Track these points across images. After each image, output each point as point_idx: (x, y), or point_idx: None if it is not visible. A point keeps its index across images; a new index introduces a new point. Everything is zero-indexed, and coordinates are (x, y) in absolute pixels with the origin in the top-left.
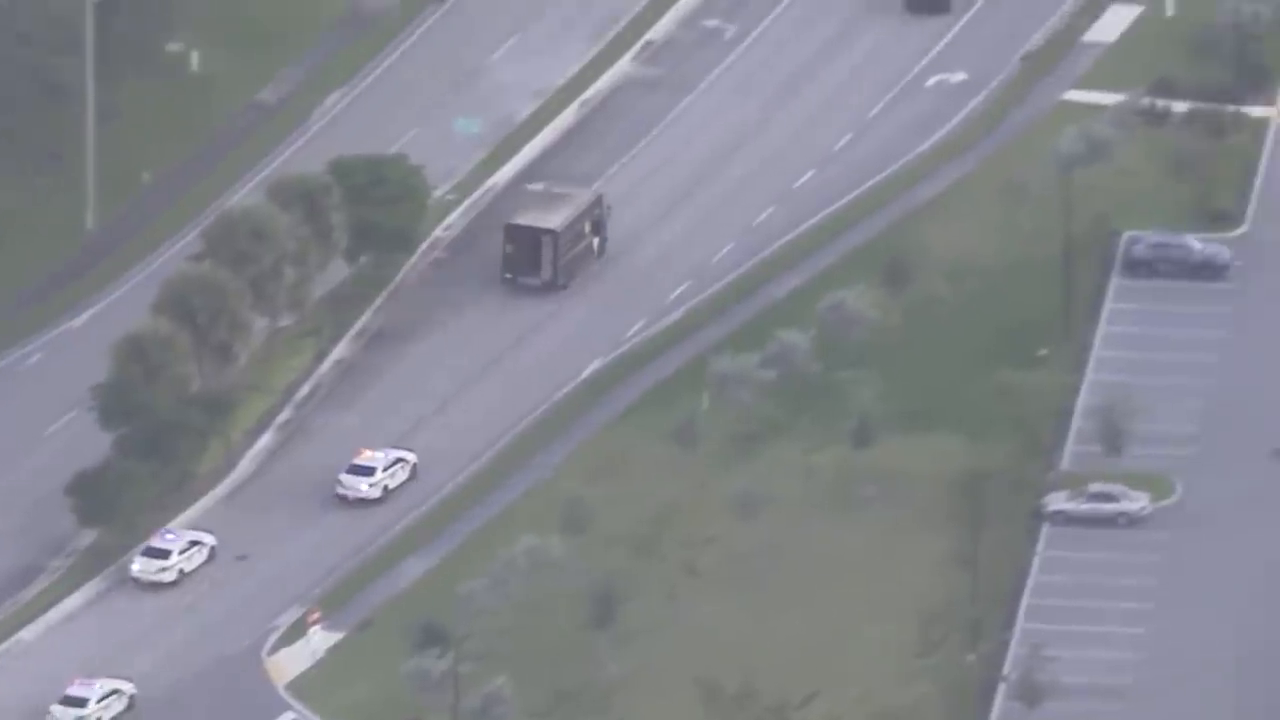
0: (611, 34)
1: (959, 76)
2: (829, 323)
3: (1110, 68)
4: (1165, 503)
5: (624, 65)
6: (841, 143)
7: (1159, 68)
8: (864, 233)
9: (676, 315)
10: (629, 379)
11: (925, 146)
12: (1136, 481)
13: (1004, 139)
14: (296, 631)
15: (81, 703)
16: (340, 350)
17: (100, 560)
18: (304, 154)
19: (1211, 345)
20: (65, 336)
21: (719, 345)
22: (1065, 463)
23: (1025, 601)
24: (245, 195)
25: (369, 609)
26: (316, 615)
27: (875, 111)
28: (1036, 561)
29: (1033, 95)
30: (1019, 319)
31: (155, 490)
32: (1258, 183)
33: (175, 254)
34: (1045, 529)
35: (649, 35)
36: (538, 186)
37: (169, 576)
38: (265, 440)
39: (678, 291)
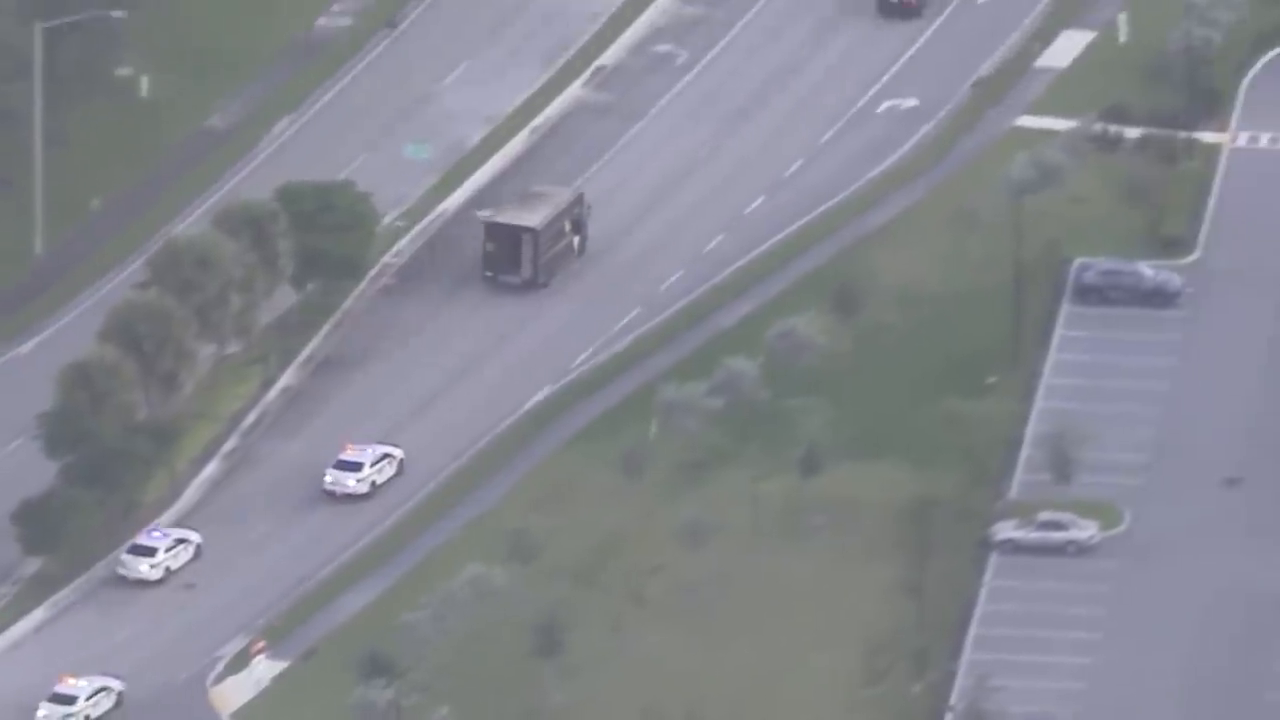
0: (563, 60)
1: (910, 102)
2: (778, 350)
3: (1062, 94)
4: (1114, 531)
5: (575, 91)
6: (792, 169)
7: (1111, 94)
8: (814, 259)
9: (625, 343)
10: (576, 407)
11: (876, 173)
12: (1085, 510)
13: (955, 165)
14: (241, 661)
15: (70, 700)
16: (287, 378)
17: (45, 588)
18: (253, 180)
19: (1162, 373)
20: (12, 363)
21: (667, 373)
22: (1014, 491)
23: (972, 631)
24: (193, 222)
25: (313, 638)
26: (261, 645)
27: (826, 138)
28: (984, 591)
29: (984, 122)
30: (969, 346)
31: (100, 519)
32: (1210, 209)
33: (123, 281)
34: (993, 558)
35: (600, 61)
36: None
37: (155, 574)
38: (211, 469)
39: (626, 319)
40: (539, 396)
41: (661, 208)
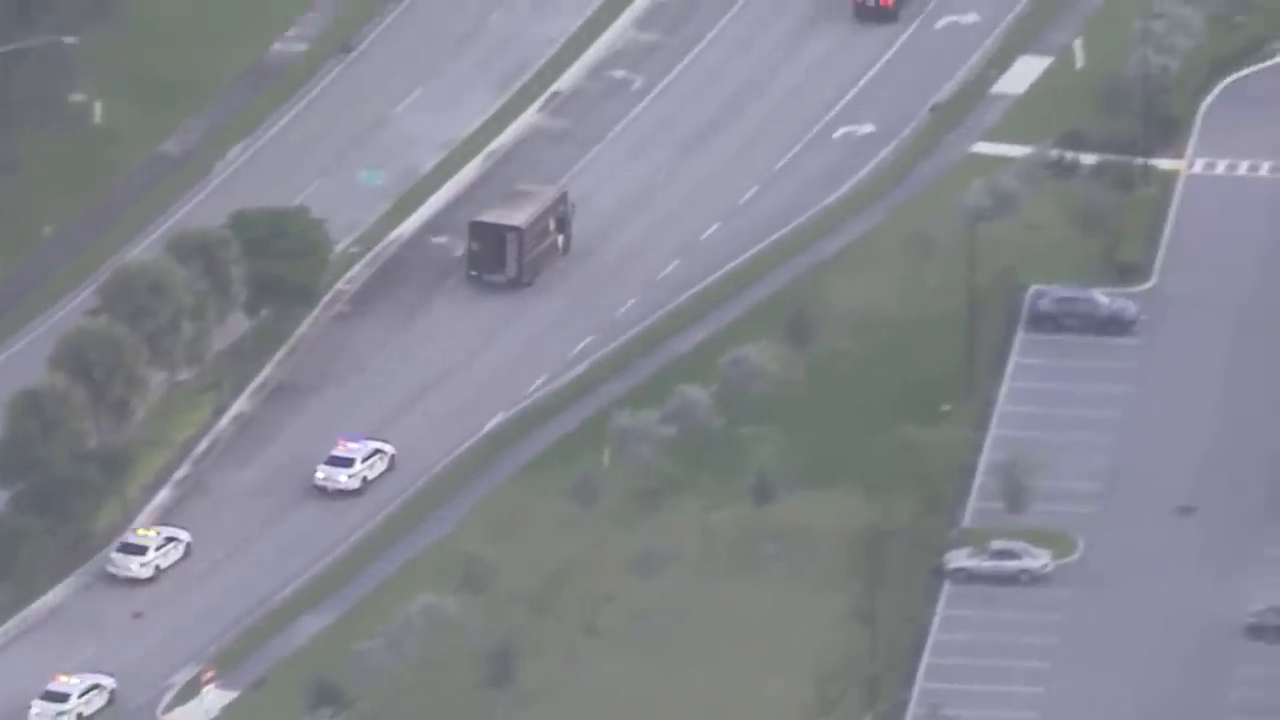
0: (518, 85)
1: (866, 128)
2: (731, 378)
3: (1019, 120)
4: (1067, 560)
5: (530, 116)
6: (748, 195)
7: (1068, 120)
8: (770, 286)
9: (579, 369)
10: (530, 434)
11: (832, 199)
12: (1038, 539)
13: (911, 191)
14: (191, 690)
15: (63, 698)
16: (240, 405)
17: None
18: (207, 206)
19: (1117, 401)
20: None
21: (621, 400)
22: (967, 519)
23: (925, 660)
24: (146, 249)
25: (264, 667)
26: (210, 674)
27: (782, 164)
28: (937, 620)
29: (941, 147)
30: (924, 374)
31: (51, 547)
32: (1166, 236)
33: (75, 308)
34: (946, 587)
35: (556, 86)
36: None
37: (145, 572)
38: (162, 496)
39: (581, 345)
40: (495, 421)
41: (616, 234)
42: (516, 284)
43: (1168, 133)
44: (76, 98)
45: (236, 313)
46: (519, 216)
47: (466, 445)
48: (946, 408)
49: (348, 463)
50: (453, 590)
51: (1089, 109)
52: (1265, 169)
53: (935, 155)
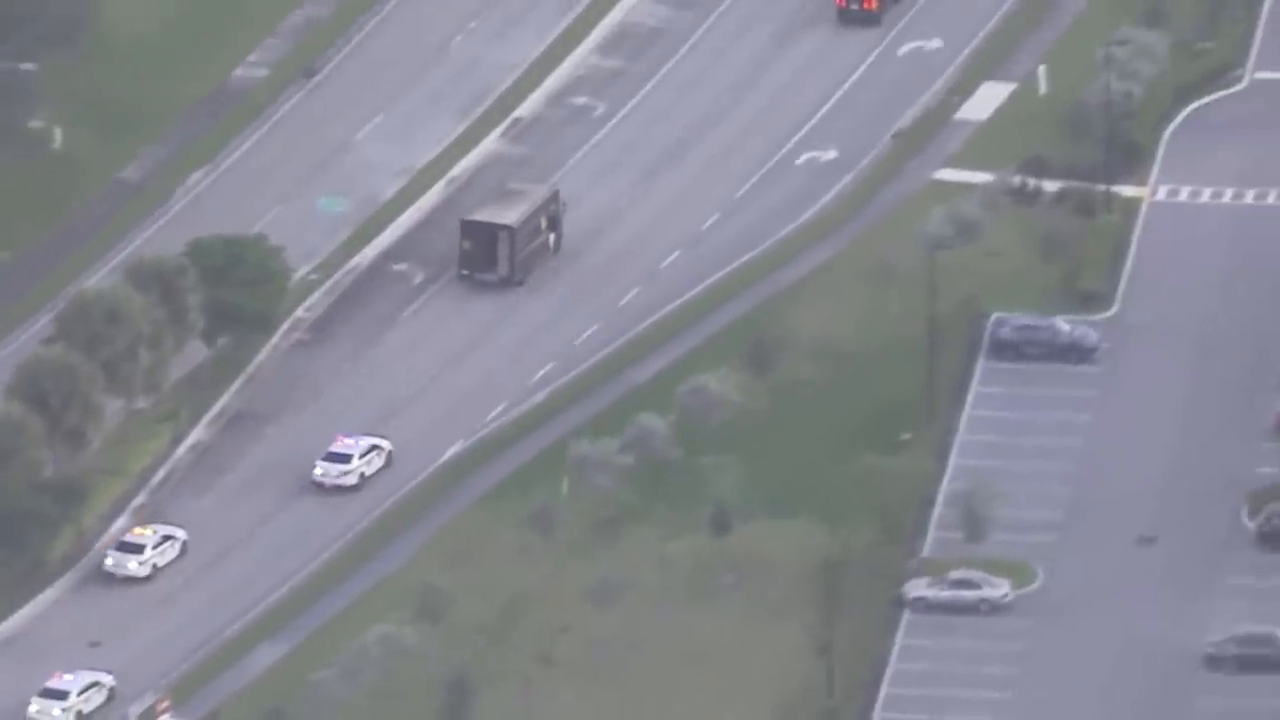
0: (479, 111)
1: (829, 154)
2: (689, 407)
3: (982, 146)
4: (1027, 590)
5: (491, 143)
6: (709, 222)
7: (1031, 146)
8: (730, 314)
9: (539, 398)
10: (489, 463)
11: (794, 226)
12: (998, 568)
13: (873, 218)
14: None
15: (62, 695)
16: (198, 433)
17: None
18: (166, 233)
19: (1077, 429)
20: None
21: (580, 429)
22: (927, 549)
23: (884, 690)
24: (105, 276)
25: (219, 698)
26: (165, 704)
27: (744, 191)
28: (895, 649)
29: (904, 174)
30: (885, 402)
31: (5, 578)
32: (1128, 263)
33: (32, 336)
34: (905, 616)
35: (517, 112)
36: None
37: (143, 571)
38: (119, 526)
39: (541, 373)
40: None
41: (577, 260)
42: (508, 283)
43: (1131, 160)
44: (36, 124)
45: (194, 341)
46: (511, 215)
47: (426, 474)
48: (907, 436)
49: (345, 459)
50: (409, 620)
51: (1052, 135)
52: (1228, 196)
53: (898, 182)
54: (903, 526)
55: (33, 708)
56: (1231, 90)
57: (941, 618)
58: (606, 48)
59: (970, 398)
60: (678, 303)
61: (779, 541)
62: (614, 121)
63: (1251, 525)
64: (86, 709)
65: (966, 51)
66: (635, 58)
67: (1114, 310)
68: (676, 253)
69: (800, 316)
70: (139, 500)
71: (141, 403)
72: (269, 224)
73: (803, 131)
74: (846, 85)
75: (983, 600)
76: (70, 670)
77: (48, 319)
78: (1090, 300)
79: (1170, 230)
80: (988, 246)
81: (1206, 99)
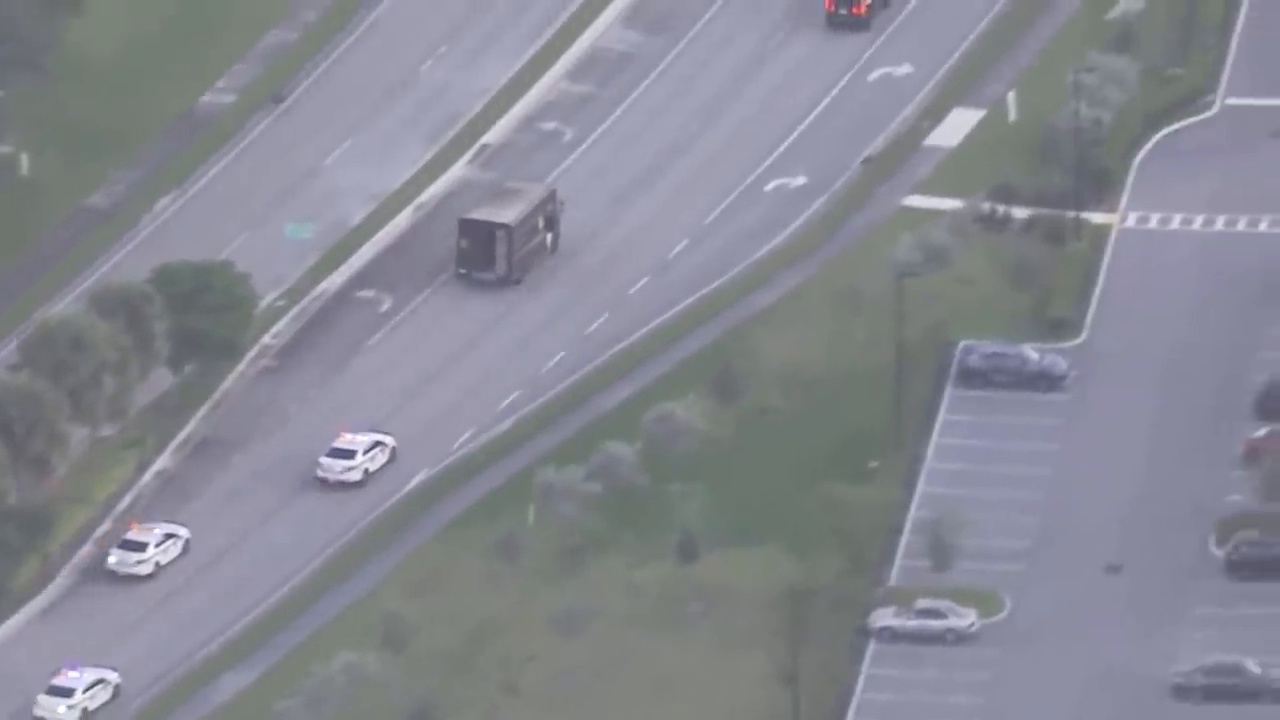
0: (448, 137)
1: (799, 180)
2: (656, 434)
3: (952, 172)
4: (994, 619)
5: (460, 169)
6: (678, 249)
7: (1001, 173)
8: (698, 341)
9: (505, 425)
10: (455, 491)
11: (763, 252)
12: (965, 597)
13: (842, 245)
14: None
15: (68, 692)
16: (163, 461)
17: None
18: (133, 259)
19: (1046, 458)
20: None
21: (547, 457)
22: (893, 578)
23: None
24: (71, 303)
25: None
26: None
27: (713, 217)
28: (861, 679)
29: (873, 200)
30: (852, 430)
31: None
32: (1097, 291)
33: None
34: (871, 646)
35: (486, 138)
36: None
37: (145, 569)
38: (84, 553)
39: (509, 400)
40: (419, 478)
41: (539, 289)
42: (506, 282)
43: (1101, 186)
44: (2, 150)
45: (161, 368)
46: (508, 214)
47: (390, 503)
48: (874, 464)
49: (349, 454)
50: (373, 648)
51: (1022, 162)
52: (1198, 223)
53: (867, 208)
54: (869, 555)
55: (39, 705)
56: (1202, 116)
57: (908, 647)
58: (576, 73)
59: (938, 426)
60: (645, 329)
61: (746, 570)
62: (583, 147)
63: (1220, 554)
64: (92, 706)
65: (937, 77)
66: (605, 83)
67: (1083, 338)
68: (644, 279)
69: (768, 343)
70: (104, 528)
71: (107, 430)
72: (237, 250)
73: (772, 157)
74: (816, 111)
75: (949, 630)
76: (75, 667)
77: (13, 346)
78: (1059, 328)
79: (1140, 257)
80: (957, 273)
81: (1177, 125)
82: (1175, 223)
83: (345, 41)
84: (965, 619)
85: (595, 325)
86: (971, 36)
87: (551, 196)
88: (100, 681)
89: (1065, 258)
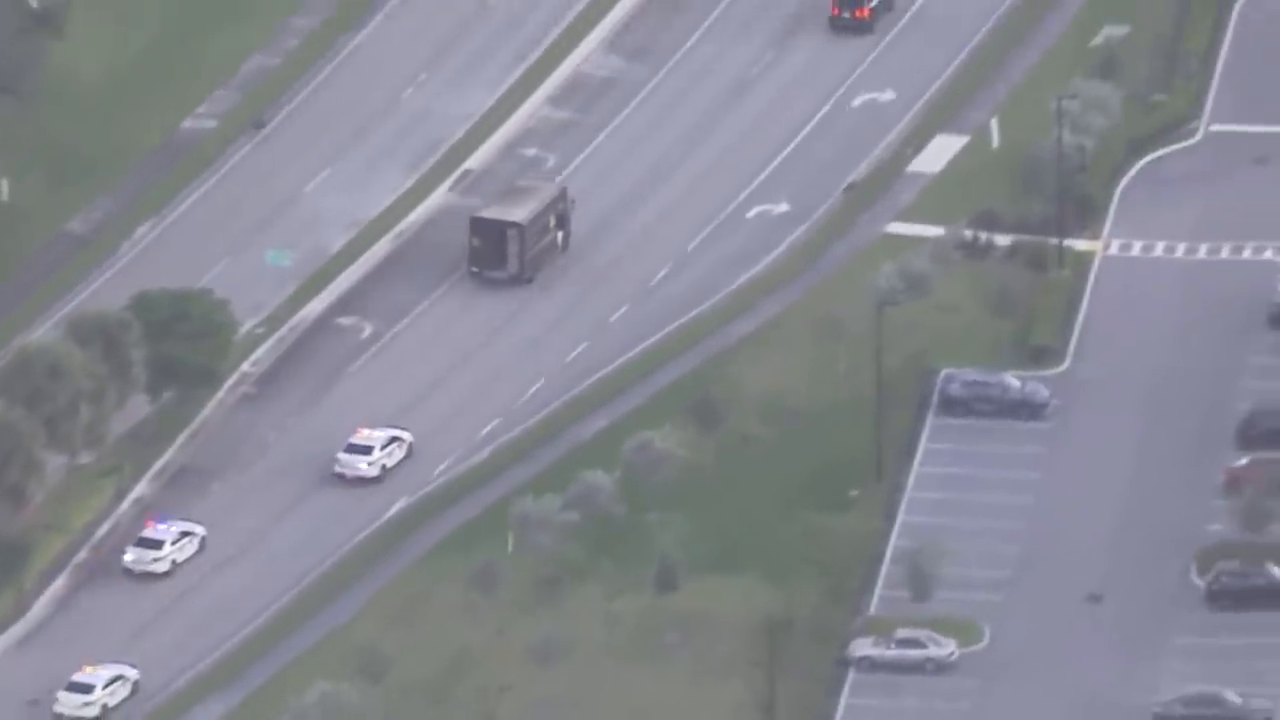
0: (429, 163)
1: (781, 208)
2: (635, 463)
3: (934, 199)
4: (974, 649)
5: (441, 195)
6: (659, 276)
7: (984, 200)
8: (678, 369)
9: (483, 455)
10: (433, 520)
11: (744, 280)
12: (945, 627)
13: (824, 273)
14: None
15: (88, 689)
16: (141, 489)
17: None
18: (113, 286)
19: (1027, 487)
20: None
21: (525, 486)
22: (873, 607)
23: None
24: (49, 330)
25: None
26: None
27: (695, 244)
28: (840, 709)
29: (855, 227)
30: (833, 459)
31: None
32: (1080, 318)
33: None
34: (850, 675)
35: (467, 164)
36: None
37: (161, 567)
38: (60, 582)
39: (487, 428)
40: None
41: (521, 316)
42: (517, 280)
43: (1084, 213)
44: None
45: (139, 395)
46: (520, 213)
47: (367, 532)
48: (855, 493)
49: (366, 450)
50: (350, 679)
51: (1005, 189)
52: (1181, 250)
53: (849, 235)
54: (849, 584)
55: (59, 701)
56: (1185, 143)
57: (887, 677)
58: (558, 99)
59: (919, 454)
60: (625, 357)
61: (724, 599)
62: (565, 173)
63: (1200, 583)
64: (112, 702)
65: (920, 103)
66: (587, 109)
67: (1065, 366)
68: (625, 306)
69: (748, 372)
70: (81, 556)
71: (84, 458)
72: (217, 277)
73: (754, 184)
74: (799, 138)
75: (928, 659)
76: (95, 663)
77: None
78: (1041, 356)
79: (1123, 285)
80: (938, 301)
81: (1160, 152)
82: (1158, 250)
83: (327, 68)
84: (945, 649)
85: (575, 353)
86: (955, 63)
87: (562, 195)
88: (120, 678)
89: (1048, 285)
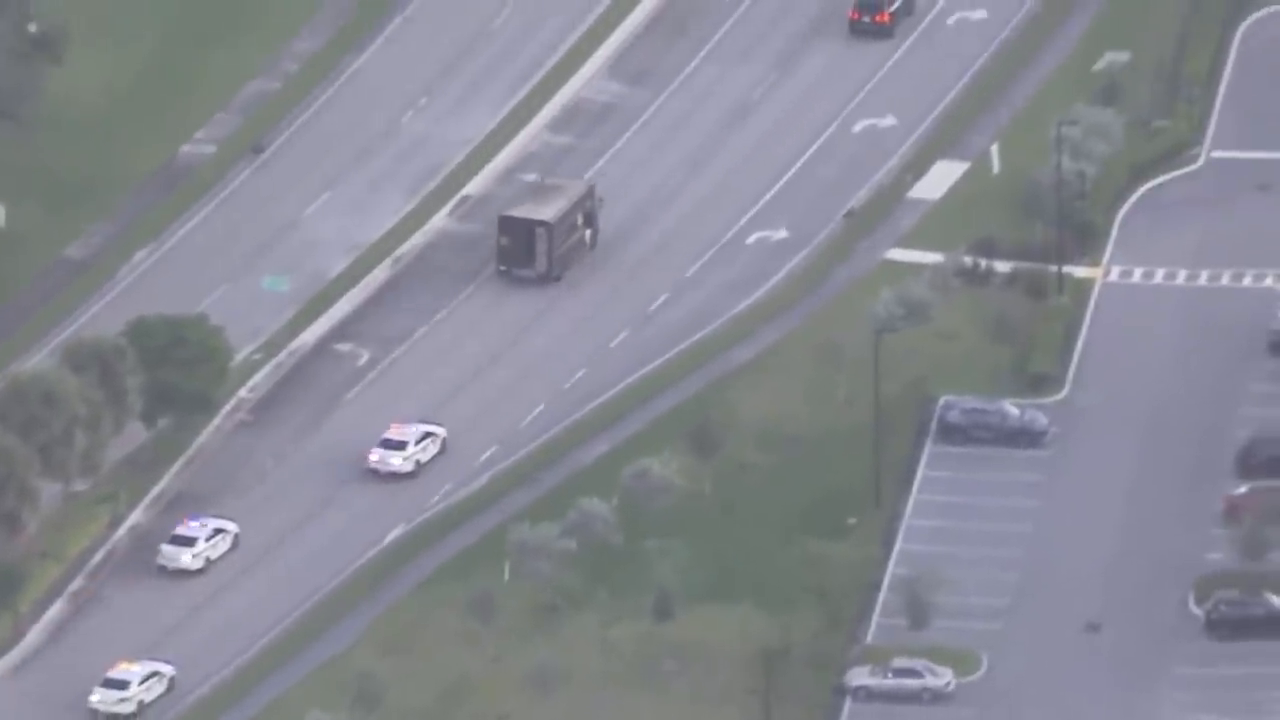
0: (428, 188)
1: (780, 234)
2: (633, 491)
3: (935, 226)
4: (971, 678)
5: (439, 220)
6: (658, 302)
7: (984, 226)
8: (676, 396)
9: (481, 482)
10: (429, 548)
11: (743, 307)
12: (943, 656)
13: (824, 299)
14: None
15: (123, 685)
16: (136, 516)
17: None
18: (110, 312)
19: (1026, 515)
20: None
21: (522, 513)
22: (870, 636)
23: None
24: (46, 356)
25: None
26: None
27: (694, 270)
28: None
29: (855, 253)
30: (831, 486)
31: None
32: (1079, 346)
33: None
34: (847, 705)
35: (466, 190)
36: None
37: (196, 564)
38: (55, 610)
39: (484, 456)
40: (394, 534)
41: (522, 343)
42: (546, 279)
43: (1084, 240)
44: None
45: (135, 422)
46: (548, 211)
47: (364, 560)
48: (853, 521)
49: (400, 445)
50: (346, 708)
51: (1006, 215)
52: (1181, 277)
53: (849, 262)
54: (846, 613)
55: (94, 697)
56: (1187, 169)
57: (884, 706)
58: (558, 124)
59: (917, 482)
60: (624, 384)
61: (722, 628)
62: None
63: (1199, 613)
64: (148, 698)
65: (921, 129)
66: (586, 134)
67: (1064, 393)
68: (625, 332)
69: (747, 399)
70: (76, 584)
71: (79, 485)
72: (215, 303)
73: (754, 210)
74: (799, 163)
75: (925, 689)
76: (131, 660)
77: None
78: (1040, 383)
79: (1123, 312)
80: (938, 328)
81: (1161, 178)
82: (1159, 277)
83: (326, 92)
84: (942, 678)
85: (574, 380)
86: (955, 89)
87: (590, 193)
88: (155, 674)
89: (1047, 312)
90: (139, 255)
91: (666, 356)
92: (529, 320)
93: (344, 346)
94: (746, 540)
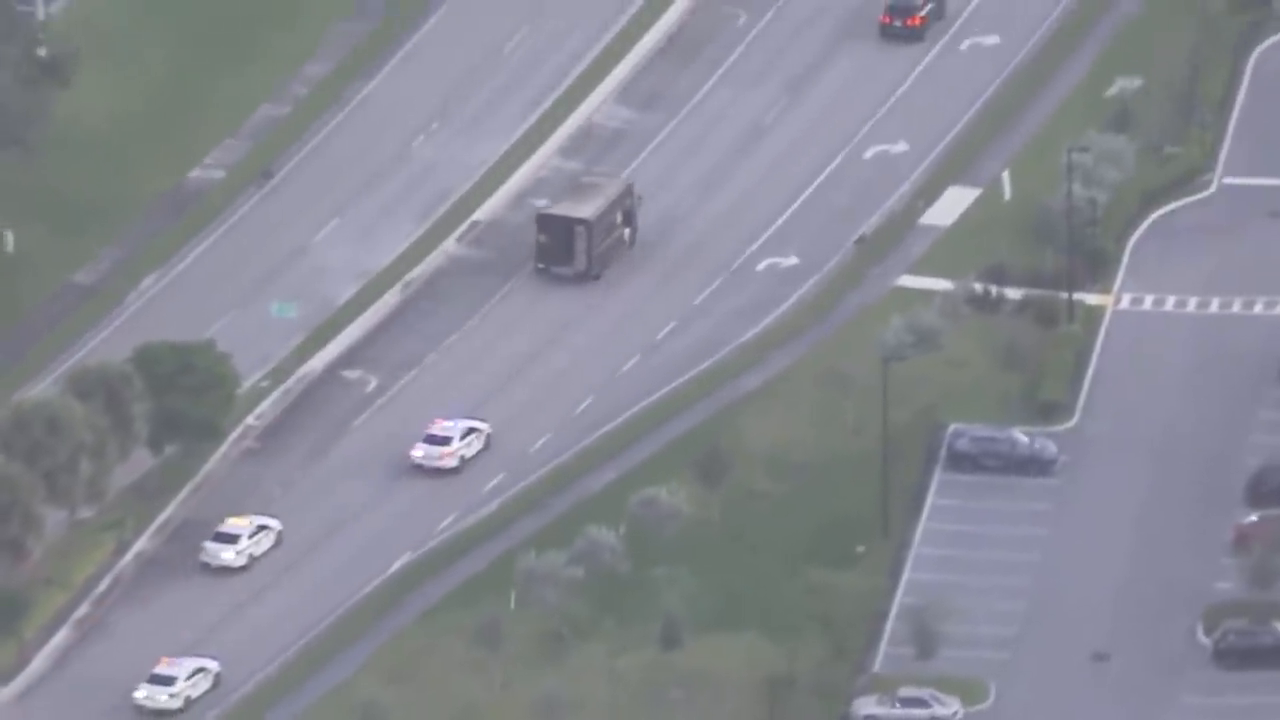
0: (438, 214)
1: (790, 260)
2: (641, 518)
3: (946, 252)
4: (979, 708)
5: (449, 246)
6: (666, 330)
7: (996, 253)
8: (685, 424)
9: (490, 508)
10: (437, 575)
11: (753, 334)
12: (950, 685)
13: (834, 326)
14: None
15: (169, 681)
16: (142, 543)
17: None
18: (119, 336)
19: (1035, 543)
20: None
21: (530, 541)
22: (877, 665)
23: None
24: (53, 383)
25: None
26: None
27: (702, 297)
28: None
29: (866, 280)
30: (840, 514)
31: None
32: (1090, 373)
33: None
34: None
35: (476, 215)
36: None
37: (239, 561)
38: (60, 637)
39: (493, 483)
40: (401, 561)
41: (533, 369)
42: (585, 277)
43: (1095, 267)
44: None
45: (141, 449)
46: (587, 209)
47: (370, 587)
48: (861, 549)
49: (445, 441)
50: None
51: (1017, 242)
52: (1193, 305)
53: (860, 289)
54: (853, 642)
55: (140, 693)
56: (1199, 196)
57: None
58: (568, 150)
59: (926, 510)
60: (631, 412)
61: (729, 656)
62: None
63: (1207, 642)
64: (194, 694)
65: (933, 155)
66: (597, 160)
67: (1074, 421)
68: (634, 359)
69: (755, 426)
70: (81, 611)
71: (84, 512)
72: (223, 329)
73: (765, 236)
74: (810, 189)
75: (933, 718)
76: (177, 656)
77: None
78: (1050, 411)
79: (1134, 339)
80: (947, 356)
81: (1173, 205)
82: (1170, 304)
83: (336, 118)
84: (949, 708)
85: (582, 407)
86: (967, 115)
87: (629, 190)
88: (201, 670)
89: (1058, 340)
90: (147, 281)
91: (675, 384)
92: (550, 336)
93: (352, 373)
94: (754, 568)
